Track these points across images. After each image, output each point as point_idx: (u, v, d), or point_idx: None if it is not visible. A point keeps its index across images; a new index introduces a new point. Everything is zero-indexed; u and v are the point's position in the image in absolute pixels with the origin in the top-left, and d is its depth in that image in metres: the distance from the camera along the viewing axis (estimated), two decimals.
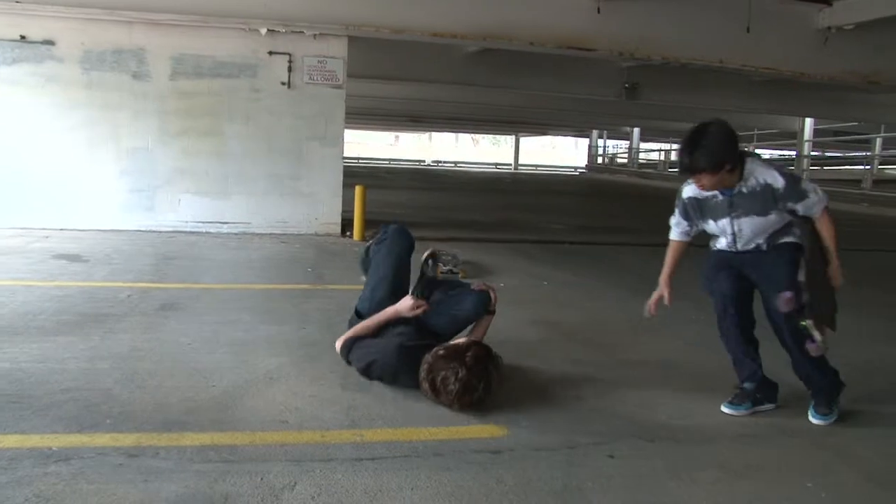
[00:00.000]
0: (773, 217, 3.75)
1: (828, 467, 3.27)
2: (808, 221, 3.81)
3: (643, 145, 40.04)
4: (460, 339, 3.86)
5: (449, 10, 9.78)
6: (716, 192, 3.78)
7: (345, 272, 7.51)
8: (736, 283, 3.93)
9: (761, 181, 3.69)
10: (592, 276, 8.02)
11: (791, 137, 27.27)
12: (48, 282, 6.25)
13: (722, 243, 4.00)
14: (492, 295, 4.34)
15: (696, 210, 3.96)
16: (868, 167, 25.57)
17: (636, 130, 37.55)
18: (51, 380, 3.79)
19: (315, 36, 9.80)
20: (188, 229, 9.68)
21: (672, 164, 38.61)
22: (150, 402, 3.58)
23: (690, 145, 3.62)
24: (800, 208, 3.75)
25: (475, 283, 4.50)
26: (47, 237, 8.59)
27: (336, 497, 2.75)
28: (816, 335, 3.73)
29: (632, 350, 4.73)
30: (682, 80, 16.85)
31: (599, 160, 44.07)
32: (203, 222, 9.79)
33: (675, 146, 38.29)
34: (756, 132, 29.57)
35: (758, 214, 3.74)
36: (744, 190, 3.72)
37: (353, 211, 9.92)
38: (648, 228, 12.55)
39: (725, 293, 3.95)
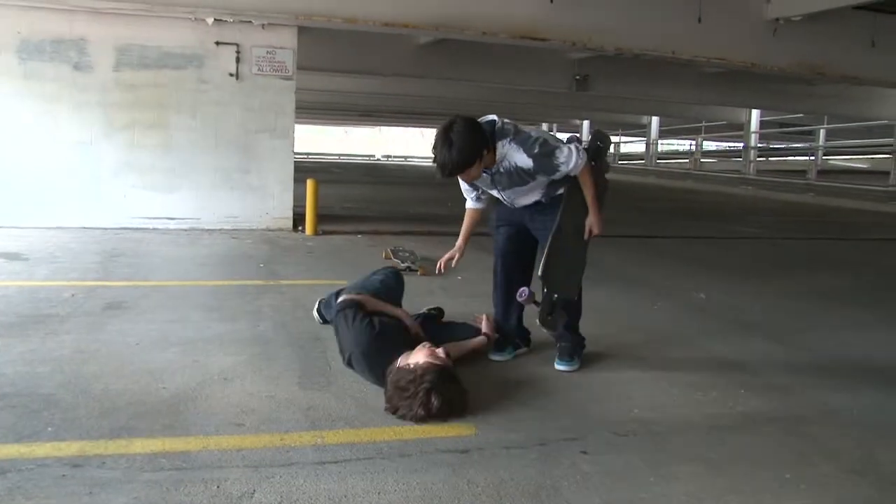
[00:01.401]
0: (534, 182, 4.06)
1: (804, 457, 3.20)
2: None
3: None
4: (420, 355, 3.60)
5: (402, 0, 9.61)
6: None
7: (298, 267, 7.33)
8: (512, 241, 4.41)
9: (513, 163, 3.96)
10: None
11: (738, 129, 27.68)
12: None
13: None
14: (489, 339, 4.46)
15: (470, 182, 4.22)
16: (813, 158, 26.08)
17: (586, 123, 37.77)
18: None
19: (264, 26, 9.56)
20: (135, 225, 9.35)
21: (622, 156, 39.06)
22: (96, 407, 3.35)
23: (445, 148, 3.77)
24: (557, 176, 4.04)
25: (481, 325, 4.57)
26: None
27: None
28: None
29: (595, 342, 4.62)
30: (632, 72, 16.92)
31: None
32: (150, 218, 9.47)
33: (624, 138, 38.80)
34: (704, 124, 30.00)
35: (518, 186, 4.08)
36: (501, 170, 4.01)
37: (304, 206, 9.71)
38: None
39: (501, 249, 4.45)
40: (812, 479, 3.00)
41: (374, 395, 3.62)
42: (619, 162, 37.28)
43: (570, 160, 3.95)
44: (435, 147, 3.83)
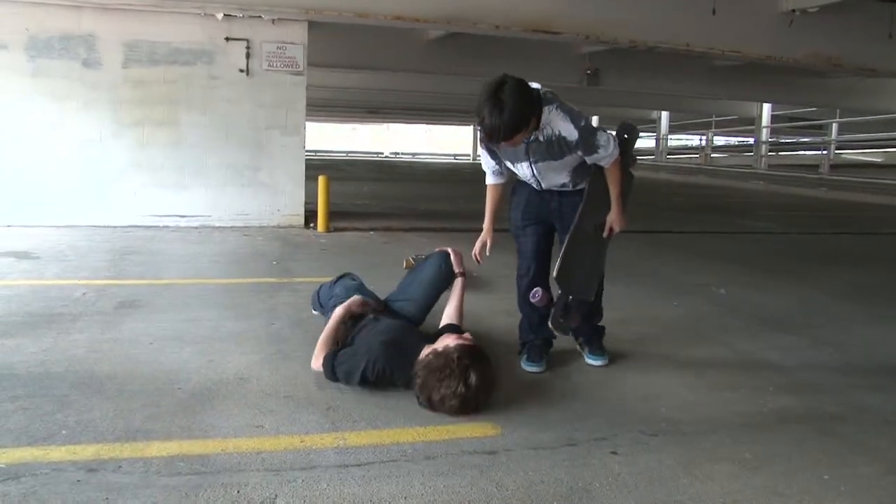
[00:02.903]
0: (568, 158, 3.84)
1: (842, 458, 3.08)
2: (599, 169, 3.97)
3: None
4: (448, 339, 3.52)
5: None
6: None
7: (311, 265, 7.24)
8: (543, 241, 4.19)
9: (556, 132, 3.73)
10: None
11: (749, 123, 27.50)
12: None
13: (528, 184, 4.13)
14: (450, 252, 4.36)
15: (496, 149, 3.98)
16: (825, 152, 25.89)
17: (595, 118, 37.58)
18: None
19: (274, 21, 9.45)
20: (145, 223, 9.28)
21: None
22: (111, 408, 3.26)
23: (496, 110, 3.48)
24: (588, 160, 3.88)
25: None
26: None
27: None
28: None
29: (617, 340, 4.52)
30: (643, 67, 16.79)
31: None
32: (161, 216, 9.39)
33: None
34: (714, 118, 29.81)
35: (553, 159, 3.83)
36: (540, 138, 3.76)
37: (315, 202, 9.62)
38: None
39: (533, 251, 4.18)
40: (851, 480, 2.89)
41: (395, 395, 3.53)
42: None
43: (608, 146, 3.83)
44: (482, 109, 3.52)
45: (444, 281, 4.35)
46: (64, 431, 2.99)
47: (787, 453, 3.10)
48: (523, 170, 3.98)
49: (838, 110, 24.57)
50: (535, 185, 4.08)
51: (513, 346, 4.34)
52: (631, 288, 6.36)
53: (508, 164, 4.03)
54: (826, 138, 27.00)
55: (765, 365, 4.41)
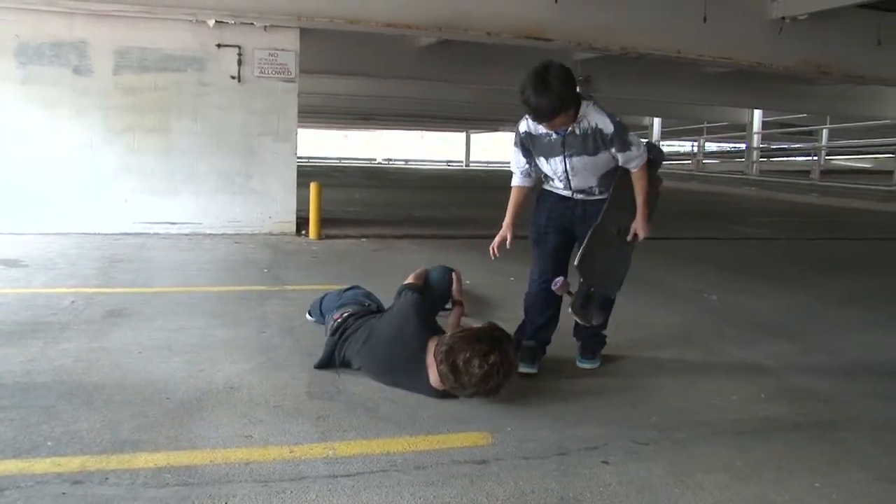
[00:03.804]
0: (602, 156, 3.93)
1: (834, 465, 3.07)
2: (625, 172, 4.03)
3: None
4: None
5: (405, 1, 9.51)
6: (550, 132, 3.91)
7: (302, 272, 7.21)
8: (560, 251, 4.22)
9: (593, 124, 3.85)
10: None
11: (740, 129, 27.59)
12: None
13: (557, 185, 4.17)
14: (453, 273, 4.49)
15: (531, 146, 4.08)
16: (816, 158, 25.99)
17: None
18: None
19: (266, 28, 9.44)
20: (136, 230, 9.24)
21: None
22: (98, 419, 3.22)
23: (542, 89, 3.63)
24: (621, 158, 3.95)
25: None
26: None
27: None
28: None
29: (610, 347, 4.51)
30: (635, 74, 16.86)
31: None
32: (151, 223, 9.35)
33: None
34: (706, 125, 29.89)
35: (588, 154, 3.92)
36: (577, 131, 3.87)
37: (307, 209, 9.59)
38: None
39: (549, 254, 4.21)
40: (843, 487, 2.88)
41: (387, 404, 3.52)
42: None
43: (640, 146, 3.97)
44: (527, 89, 3.66)
45: (443, 288, 4.46)
46: (49, 443, 2.96)
47: (778, 461, 3.08)
48: (556, 165, 4.03)
49: (828, 117, 24.66)
50: (563, 187, 4.14)
51: None
52: (623, 294, 6.28)
53: (542, 160, 4.08)
54: (817, 144, 27.11)
55: (757, 371, 4.39)
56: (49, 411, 3.28)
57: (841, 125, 25.77)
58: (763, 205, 19.80)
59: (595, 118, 3.86)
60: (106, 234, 8.95)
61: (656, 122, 31.71)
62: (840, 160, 30.22)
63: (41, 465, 2.76)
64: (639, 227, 4.12)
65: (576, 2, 10.09)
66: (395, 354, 3.74)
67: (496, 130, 45.00)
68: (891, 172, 21.66)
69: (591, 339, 4.38)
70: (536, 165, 4.17)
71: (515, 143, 4.19)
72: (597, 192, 4.12)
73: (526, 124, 4.03)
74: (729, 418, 3.59)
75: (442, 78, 16.46)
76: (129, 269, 7.01)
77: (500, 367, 3.34)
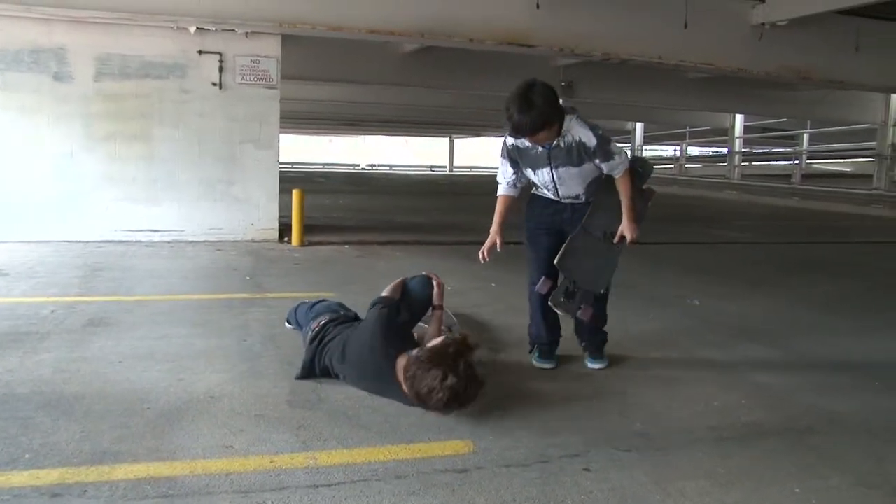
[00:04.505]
0: (587, 166, 4.11)
1: (813, 470, 3.10)
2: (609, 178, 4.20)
3: None
4: (437, 340, 3.59)
5: (387, 7, 9.54)
6: (536, 145, 4.06)
7: (284, 280, 7.19)
8: (553, 248, 4.29)
9: (577, 138, 4.02)
10: None
11: (722, 134, 27.77)
12: None
13: (545, 192, 4.34)
14: (433, 279, 4.41)
15: (519, 158, 4.24)
16: (797, 162, 26.22)
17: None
18: None
19: (247, 34, 9.43)
20: (118, 238, 9.18)
21: None
22: (77, 430, 3.20)
23: (525, 107, 3.82)
24: (605, 167, 4.13)
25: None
26: None
27: None
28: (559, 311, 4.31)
29: None
30: (617, 79, 16.92)
31: None
32: (133, 231, 9.30)
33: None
34: (688, 129, 30.07)
35: (573, 165, 4.10)
36: (561, 144, 4.04)
37: (290, 216, 9.56)
38: None
39: (543, 256, 4.33)
40: (822, 492, 2.91)
41: (368, 413, 3.51)
42: None
43: (621, 155, 4.14)
44: (511, 106, 3.86)
45: (424, 299, 4.37)
46: (27, 455, 2.93)
47: (759, 467, 3.11)
48: (543, 176, 4.20)
49: (809, 121, 24.89)
50: (552, 195, 4.31)
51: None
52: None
53: (529, 171, 4.25)
54: (798, 148, 27.34)
55: (739, 377, 4.42)
56: (28, 423, 3.26)
57: (821, 129, 26.02)
58: (745, 208, 19.94)
59: (578, 132, 4.02)
60: (87, 242, 8.89)
61: (639, 126, 31.89)
62: (821, 164, 30.48)
63: (19, 479, 2.73)
64: (626, 229, 4.24)
65: (558, 8, 10.12)
66: (366, 369, 3.75)
67: (479, 136, 45.09)
68: (870, 176, 21.87)
69: (593, 338, 4.52)
70: (524, 175, 4.33)
71: (503, 155, 4.32)
72: (584, 198, 4.31)
73: (513, 138, 4.17)
74: (710, 425, 3.61)
75: (425, 84, 16.49)
76: (110, 277, 6.97)
77: (463, 388, 3.30)
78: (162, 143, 9.41)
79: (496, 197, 4.47)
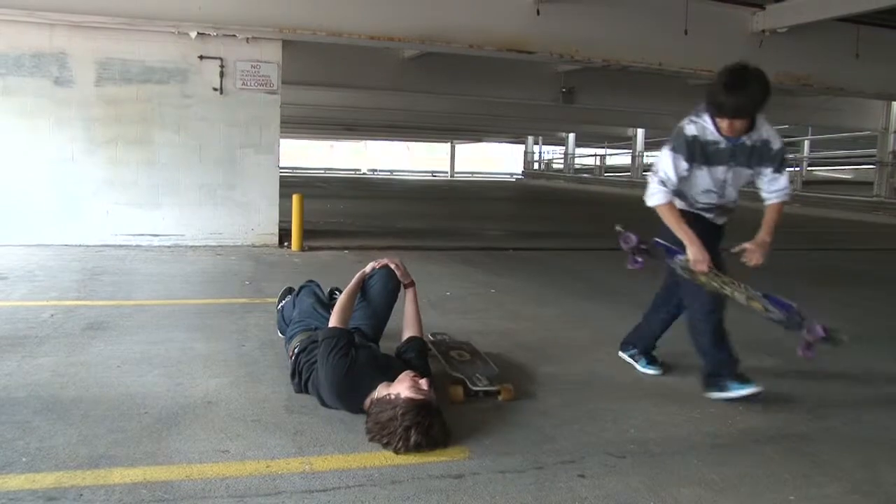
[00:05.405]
0: (757, 170, 3.95)
1: (808, 478, 3.10)
2: None
3: (578, 150, 40.51)
4: (401, 385, 3.32)
5: (387, 13, 9.58)
6: (719, 139, 3.83)
7: (284, 284, 7.15)
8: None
9: (764, 136, 3.85)
10: (539, 283, 7.78)
11: None
12: None
13: (700, 200, 4.11)
14: (391, 266, 4.29)
15: (699, 153, 3.90)
16: (798, 168, 26.24)
17: (571, 136, 37.90)
18: None
19: (248, 39, 9.46)
20: (118, 242, 9.21)
21: (608, 169, 39.18)
22: (74, 434, 3.21)
23: (744, 86, 3.63)
24: (769, 179, 3.97)
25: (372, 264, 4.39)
26: None
27: None
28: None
29: (591, 360, 4.54)
30: (618, 85, 17.00)
31: (536, 166, 44.43)
32: (133, 235, 9.32)
33: (609, 151, 38.95)
34: None
35: (747, 167, 3.93)
36: (748, 142, 3.84)
37: (290, 221, 9.58)
38: (589, 233, 12.54)
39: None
40: (817, 500, 2.92)
41: (364, 419, 3.50)
42: (605, 174, 37.42)
43: (790, 182, 4.09)
44: (725, 88, 3.65)
45: (393, 294, 4.31)
46: (24, 459, 2.95)
47: (753, 474, 3.11)
48: (716, 174, 3.98)
49: (810, 128, 24.92)
50: (710, 200, 4.13)
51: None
52: (605, 306, 6.38)
53: (704, 168, 3.94)
54: (798, 155, 27.36)
55: None
56: (25, 427, 3.27)
57: (822, 136, 26.05)
58: (746, 215, 19.87)
59: (768, 131, 3.87)
60: (87, 247, 8.92)
61: (640, 132, 31.91)
62: (822, 171, 30.52)
63: (15, 482, 2.75)
64: (756, 252, 4.15)
65: (558, 14, 10.17)
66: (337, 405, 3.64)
67: (480, 141, 45.17)
68: (871, 183, 21.90)
69: (648, 346, 4.67)
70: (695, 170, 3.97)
71: (676, 149, 3.90)
72: (731, 205, 4.22)
73: (695, 128, 3.88)
74: (706, 431, 3.62)
75: (426, 89, 16.53)
76: (109, 281, 6.99)
77: (418, 447, 3.14)
78: (162, 147, 9.43)
79: (660, 206, 4.00)
